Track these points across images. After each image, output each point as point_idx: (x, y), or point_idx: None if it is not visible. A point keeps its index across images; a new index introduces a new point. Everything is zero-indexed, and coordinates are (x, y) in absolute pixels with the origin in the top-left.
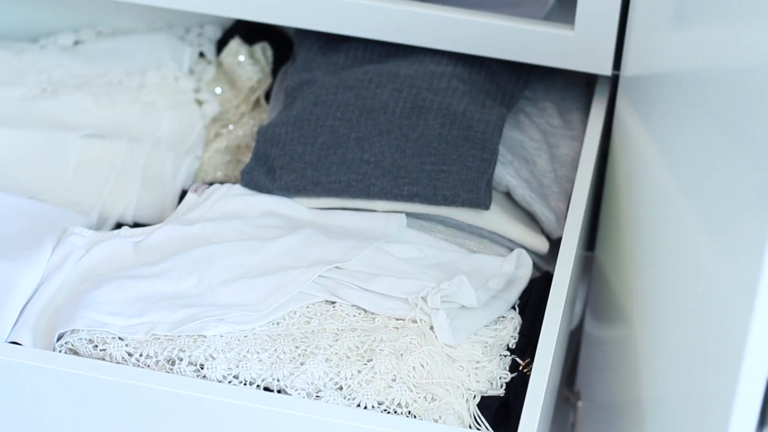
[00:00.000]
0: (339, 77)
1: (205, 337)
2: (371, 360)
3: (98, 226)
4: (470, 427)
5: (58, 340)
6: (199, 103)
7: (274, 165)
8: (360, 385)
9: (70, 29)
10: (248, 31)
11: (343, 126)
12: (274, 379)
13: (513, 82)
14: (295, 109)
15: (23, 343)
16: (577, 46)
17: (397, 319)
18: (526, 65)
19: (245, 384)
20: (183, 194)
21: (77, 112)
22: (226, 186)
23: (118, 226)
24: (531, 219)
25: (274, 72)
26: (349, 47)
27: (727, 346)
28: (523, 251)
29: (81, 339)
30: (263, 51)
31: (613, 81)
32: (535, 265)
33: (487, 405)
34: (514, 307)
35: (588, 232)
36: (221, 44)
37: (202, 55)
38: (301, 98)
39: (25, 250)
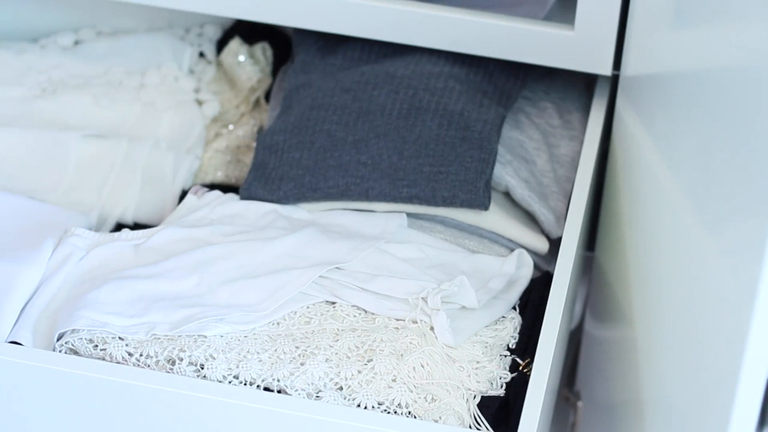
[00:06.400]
0: (336, 79)
1: (205, 337)
2: (371, 360)
3: (98, 226)
4: (470, 427)
5: (58, 340)
6: (199, 103)
7: (273, 175)
8: (360, 386)
9: (70, 29)
10: (248, 31)
11: (340, 129)
12: (274, 380)
13: (511, 81)
14: (293, 114)
15: (23, 343)
16: (577, 46)
17: (398, 320)
18: (523, 65)
19: (245, 384)
20: (183, 194)
21: (77, 112)
22: (228, 195)
23: (118, 226)
24: (531, 219)
25: (274, 72)
26: (346, 48)
27: (727, 346)
28: (524, 251)
29: (81, 339)
30: (263, 51)
31: (613, 81)
32: (535, 265)
33: (487, 405)
34: (514, 307)
35: (588, 232)
36: (221, 44)
37: (202, 55)
38: (297, 102)
39: (26, 250)
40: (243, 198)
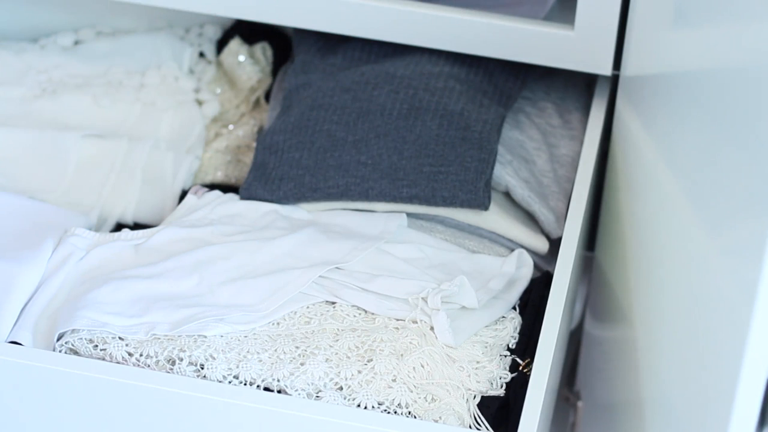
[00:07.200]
0: (335, 79)
1: (205, 337)
2: (371, 360)
3: (98, 226)
4: (470, 427)
5: (58, 339)
6: (199, 103)
7: (273, 175)
8: (360, 386)
9: (70, 29)
10: (248, 31)
11: (340, 129)
12: (274, 380)
13: (511, 81)
14: (293, 114)
15: (23, 343)
16: (577, 46)
17: (398, 320)
18: (524, 65)
19: (245, 384)
20: (183, 194)
21: (77, 112)
22: (228, 195)
23: (118, 226)
24: (531, 219)
25: (274, 72)
26: (346, 48)
27: (727, 346)
28: (524, 251)
29: (81, 339)
30: (263, 51)
31: (613, 81)
32: (535, 265)
33: (487, 405)
34: (514, 307)
35: (588, 232)
36: (221, 44)
37: (202, 55)
38: (298, 102)
39: (26, 250)
40: (243, 198)
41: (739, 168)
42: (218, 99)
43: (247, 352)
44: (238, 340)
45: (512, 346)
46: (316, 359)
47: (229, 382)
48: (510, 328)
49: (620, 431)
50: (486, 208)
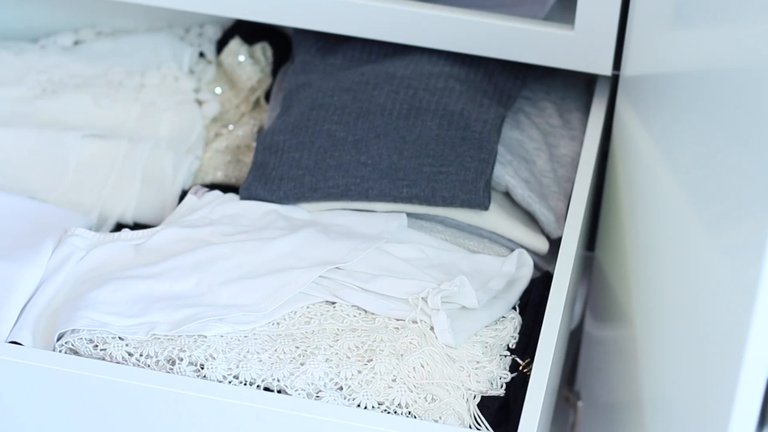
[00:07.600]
0: (336, 79)
1: (205, 337)
2: (371, 360)
3: (98, 226)
4: (470, 427)
5: (58, 340)
6: (199, 103)
7: (273, 175)
8: (360, 386)
9: (70, 29)
10: (248, 31)
11: (340, 129)
12: (274, 380)
13: (511, 81)
14: (293, 114)
15: (23, 343)
16: (577, 46)
17: (398, 320)
18: (524, 65)
19: (245, 384)
20: (183, 194)
21: (77, 112)
22: (228, 195)
23: (118, 226)
24: (531, 219)
25: (274, 72)
26: (346, 48)
27: (727, 346)
28: (524, 251)
29: (81, 339)
30: (263, 51)
31: (613, 81)
32: (535, 265)
33: (487, 405)
34: (514, 307)
35: (588, 232)
36: (221, 44)
37: (202, 55)
38: (298, 102)
39: (25, 250)
40: (243, 198)
41: (739, 168)
42: (218, 99)
43: (247, 352)
44: (238, 340)
45: (512, 346)
46: (316, 359)
47: (229, 382)
48: (510, 328)
49: (620, 431)
50: (486, 208)
